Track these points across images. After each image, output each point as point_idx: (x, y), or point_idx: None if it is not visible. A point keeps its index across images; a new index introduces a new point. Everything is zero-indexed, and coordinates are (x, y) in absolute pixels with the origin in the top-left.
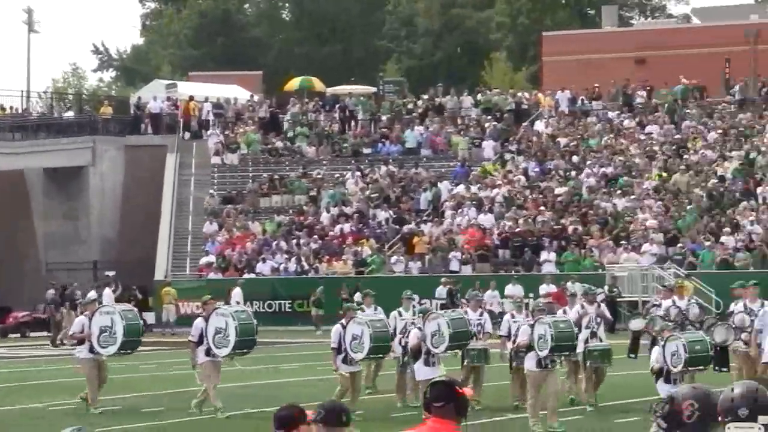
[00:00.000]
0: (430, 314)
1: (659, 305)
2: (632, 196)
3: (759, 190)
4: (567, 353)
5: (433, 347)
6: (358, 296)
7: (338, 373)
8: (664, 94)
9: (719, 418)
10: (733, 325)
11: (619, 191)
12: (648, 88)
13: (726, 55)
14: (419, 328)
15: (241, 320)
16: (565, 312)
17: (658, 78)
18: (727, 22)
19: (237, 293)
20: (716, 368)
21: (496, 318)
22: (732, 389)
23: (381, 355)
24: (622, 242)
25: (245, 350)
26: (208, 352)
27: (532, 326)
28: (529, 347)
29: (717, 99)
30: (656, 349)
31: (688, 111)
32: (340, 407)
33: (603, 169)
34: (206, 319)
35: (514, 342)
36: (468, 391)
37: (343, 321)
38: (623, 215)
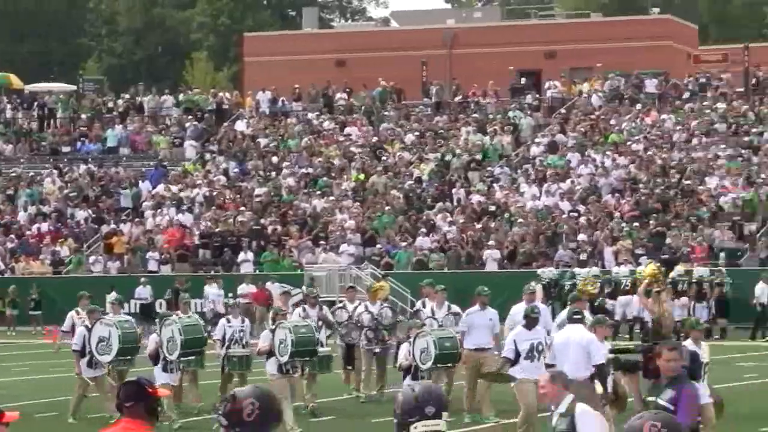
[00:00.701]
0: (165, 320)
1: (343, 307)
2: (331, 197)
3: (454, 191)
4: (308, 358)
5: (168, 354)
6: (113, 296)
7: (79, 377)
8: (363, 96)
9: (405, 419)
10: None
11: (318, 192)
12: (348, 90)
13: (423, 59)
14: (157, 334)
15: None
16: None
17: (357, 80)
18: (425, 26)
19: None
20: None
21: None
22: (413, 389)
23: (129, 357)
24: (320, 242)
25: None
26: None
27: (272, 331)
28: (270, 352)
29: (414, 102)
30: (405, 346)
31: (386, 113)
32: None
33: (302, 170)
34: None
35: (228, 347)
36: (163, 391)
37: (89, 323)
38: (322, 216)
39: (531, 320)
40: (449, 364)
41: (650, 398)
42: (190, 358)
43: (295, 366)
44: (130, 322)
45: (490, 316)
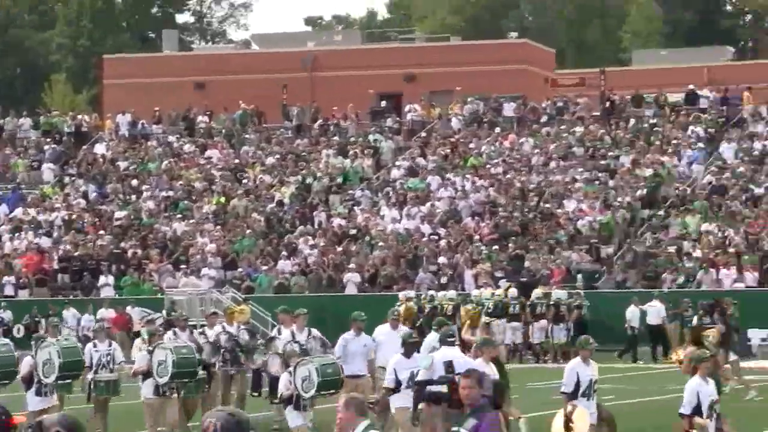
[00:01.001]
0: (41, 342)
1: (202, 333)
2: (192, 221)
3: (315, 214)
4: (188, 380)
5: (44, 377)
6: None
7: None
8: (223, 119)
9: None
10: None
11: (178, 215)
12: (208, 112)
13: (284, 82)
14: (32, 356)
15: None
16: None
17: (218, 103)
18: (285, 49)
19: None
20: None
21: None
22: (231, 414)
23: (7, 382)
24: (181, 266)
25: None
26: None
27: (150, 352)
28: (147, 373)
29: (275, 125)
30: (285, 376)
31: (246, 136)
32: None
33: (163, 193)
34: None
35: (95, 372)
36: (19, 418)
37: None
38: (183, 239)
39: (409, 346)
40: (332, 391)
41: (454, 428)
42: (67, 381)
43: (173, 387)
44: (8, 345)
45: (365, 342)
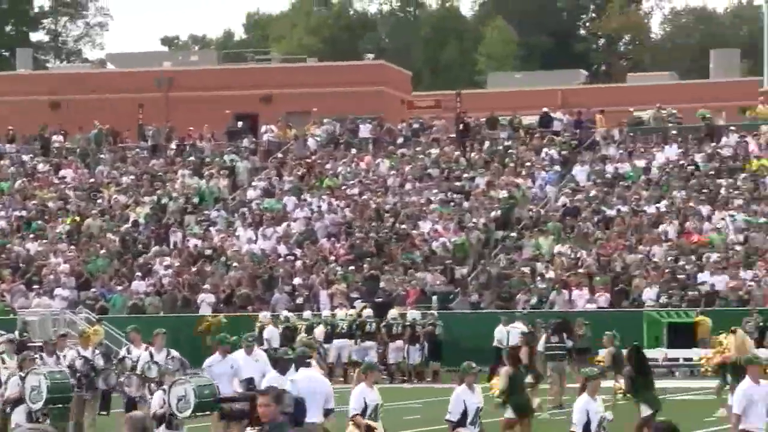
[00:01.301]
0: None
1: (41, 357)
2: (45, 240)
3: (170, 234)
4: (62, 405)
5: None
6: None
7: None
8: (78, 138)
9: None
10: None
11: (32, 235)
12: (63, 131)
13: (140, 101)
14: None
15: None
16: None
17: (73, 122)
18: (142, 69)
19: None
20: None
21: None
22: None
23: None
24: (34, 286)
25: None
26: None
27: (23, 378)
28: (19, 399)
29: (131, 144)
30: (159, 394)
31: (102, 156)
32: None
33: (16, 213)
34: None
35: None
36: None
37: None
38: (36, 259)
39: (284, 363)
40: (208, 412)
41: None
42: None
43: (45, 414)
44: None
45: (231, 364)
